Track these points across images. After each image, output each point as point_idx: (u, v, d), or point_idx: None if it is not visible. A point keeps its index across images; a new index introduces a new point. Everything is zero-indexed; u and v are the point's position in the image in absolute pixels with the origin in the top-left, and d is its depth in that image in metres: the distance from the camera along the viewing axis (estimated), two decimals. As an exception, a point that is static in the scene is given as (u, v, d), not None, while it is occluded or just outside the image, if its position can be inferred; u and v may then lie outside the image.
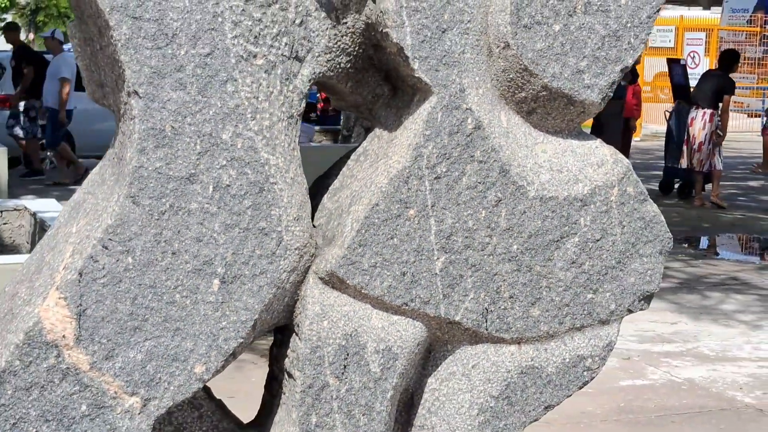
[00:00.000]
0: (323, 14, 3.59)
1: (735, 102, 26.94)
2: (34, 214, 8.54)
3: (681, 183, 15.71)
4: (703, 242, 13.00)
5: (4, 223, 9.05)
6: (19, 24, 54.58)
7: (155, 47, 3.30)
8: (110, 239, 3.29)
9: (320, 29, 3.60)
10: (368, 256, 3.51)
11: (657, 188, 15.94)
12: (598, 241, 3.73)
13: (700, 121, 14.61)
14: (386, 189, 3.52)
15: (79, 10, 3.50)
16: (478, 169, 3.59)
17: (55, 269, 3.33)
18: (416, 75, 3.54)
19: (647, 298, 3.85)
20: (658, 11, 3.71)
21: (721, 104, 14.55)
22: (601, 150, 3.78)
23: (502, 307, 3.67)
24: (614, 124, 14.12)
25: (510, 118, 3.68)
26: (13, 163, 16.59)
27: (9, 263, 6.54)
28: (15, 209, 9.33)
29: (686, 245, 12.46)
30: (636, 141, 24.05)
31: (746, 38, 29.84)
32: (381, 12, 3.51)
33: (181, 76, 3.33)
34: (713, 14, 33.37)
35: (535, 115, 3.71)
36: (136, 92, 3.29)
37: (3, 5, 42.35)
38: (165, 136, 3.32)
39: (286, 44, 3.50)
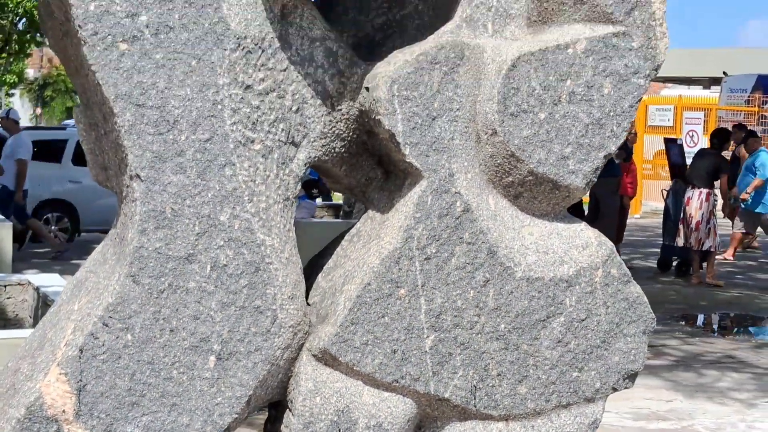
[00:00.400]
0: (319, 101, 3.75)
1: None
2: (37, 289, 8.66)
3: (678, 261, 15.82)
4: (700, 320, 13.08)
5: (8, 298, 9.17)
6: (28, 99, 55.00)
7: (157, 133, 3.45)
8: (110, 317, 3.41)
9: (316, 116, 3.76)
10: (360, 334, 3.63)
11: (655, 266, 16.07)
12: (583, 320, 3.85)
13: (696, 201, 14.78)
14: (378, 269, 3.65)
15: (85, 97, 3.66)
16: (466, 250, 3.73)
17: (57, 345, 3.45)
18: (407, 160, 3.69)
19: (631, 377, 3.95)
20: (639, 101, 3.87)
21: (717, 182, 14.71)
22: (585, 233, 3.91)
23: (490, 384, 3.78)
24: (611, 202, 14.28)
25: (498, 202, 3.82)
26: (16, 239, 16.76)
27: (12, 338, 6.65)
28: (18, 284, 9.45)
29: (683, 323, 12.55)
30: (636, 218, 24.22)
31: (744, 118, 30.15)
32: (374, 100, 3.67)
33: (181, 160, 3.48)
34: (712, 93, 33.76)
35: (522, 199, 3.85)
36: (138, 176, 3.44)
37: (11, 81, 42.90)
38: (165, 217, 3.46)
39: (282, 130, 3.66)
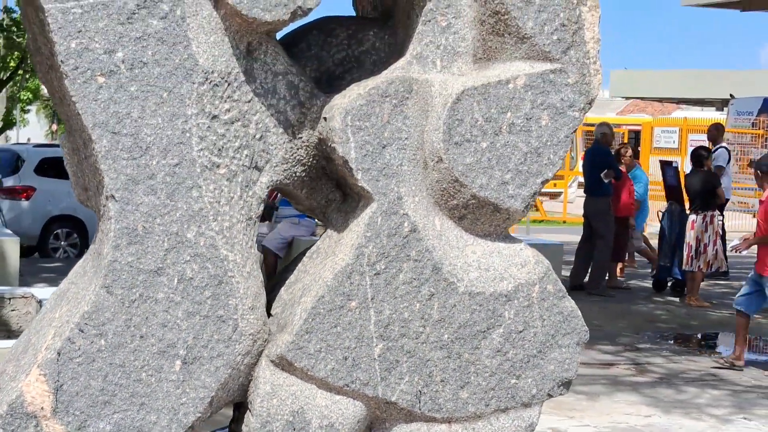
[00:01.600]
0: (281, 130, 4.13)
1: (739, 203, 27.42)
2: (40, 302, 9.03)
3: (673, 281, 16.12)
4: (689, 339, 13.37)
5: (12, 310, 9.56)
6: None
7: (131, 158, 3.83)
8: (86, 323, 3.78)
9: (278, 143, 4.13)
10: (314, 342, 3.99)
11: (651, 286, 16.38)
12: (521, 332, 4.21)
13: (701, 224, 14.98)
14: (331, 283, 4.01)
15: (68, 125, 4.05)
16: (413, 266, 4.09)
17: (38, 349, 3.82)
18: (359, 184, 4.06)
19: (566, 384, 4.30)
20: (574, 131, 4.23)
21: (717, 199, 14.96)
22: (524, 252, 4.27)
23: (434, 389, 4.13)
24: (603, 222, 14.58)
25: (443, 223, 4.19)
26: (28, 252, 17.19)
27: (10, 348, 7.02)
28: (23, 296, 9.83)
29: (672, 342, 12.85)
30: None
31: (751, 140, 30.41)
32: (330, 129, 4.05)
33: (152, 183, 3.85)
34: (718, 116, 34.03)
35: (466, 221, 4.22)
36: (113, 196, 3.82)
37: (27, 98, 43.44)
38: (137, 234, 3.83)
39: (246, 156, 4.03)
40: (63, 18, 3.71)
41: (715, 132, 17.85)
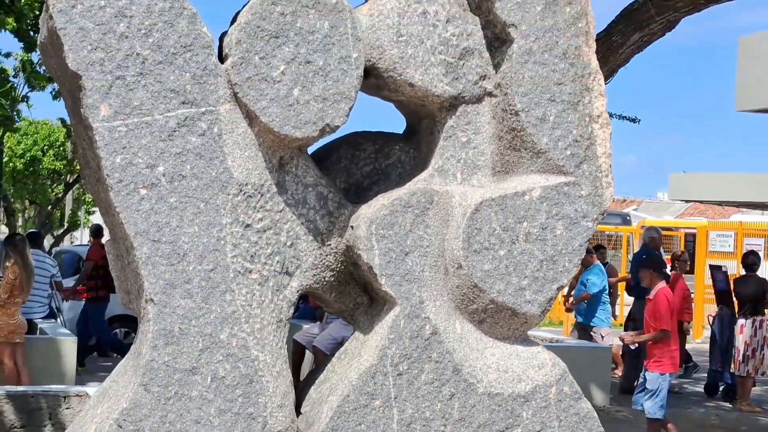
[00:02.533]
0: (311, 238, 4.40)
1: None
2: (92, 400, 9.29)
3: (725, 386, 16.02)
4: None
5: (67, 408, 9.85)
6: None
7: (169, 264, 4.12)
8: (124, 419, 4.04)
9: (308, 250, 4.40)
10: (339, 440, 4.21)
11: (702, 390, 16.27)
12: (538, 432, 4.39)
13: (750, 329, 14.96)
14: (356, 383, 4.24)
15: (113, 232, 4.36)
16: (434, 368, 4.31)
17: (80, 443, 4.08)
18: (383, 289, 4.31)
19: (582, 484, 4.45)
20: (588, 240, 4.45)
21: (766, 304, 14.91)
22: (542, 354, 4.47)
23: (454, 487, 4.31)
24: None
25: (463, 326, 4.41)
26: (89, 351, 17.58)
27: (62, 444, 7.26)
28: (77, 395, 10.11)
29: (720, 447, 12.77)
30: (697, 343, 24.29)
31: (809, 244, 30.19)
32: (356, 237, 4.32)
33: (188, 287, 4.14)
34: (774, 219, 33.81)
35: (486, 324, 4.44)
36: (152, 299, 4.11)
37: (91, 200, 44.29)
38: (174, 335, 4.11)
39: (278, 262, 4.31)
40: (109, 135, 4.05)
41: None
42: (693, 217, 47.17)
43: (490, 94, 4.51)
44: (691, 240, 31.45)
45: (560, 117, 4.44)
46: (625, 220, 36.75)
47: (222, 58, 4.25)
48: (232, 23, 4.32)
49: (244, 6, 4.29)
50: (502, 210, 4.37)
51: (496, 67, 4.49)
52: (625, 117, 14.59)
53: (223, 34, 4.35)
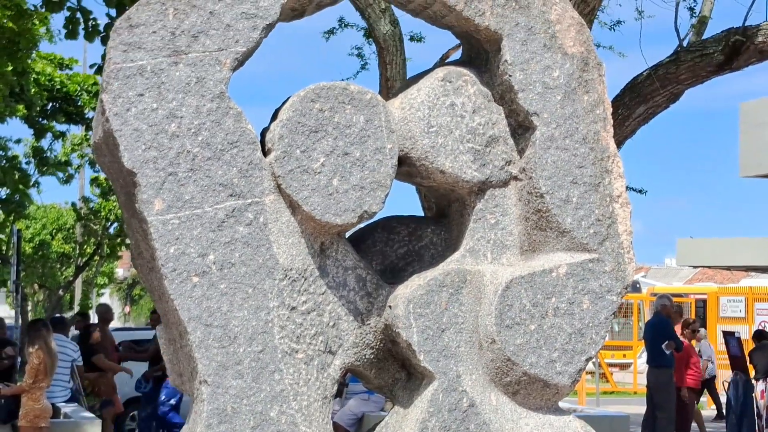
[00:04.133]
0: (351, 318, 4.67)
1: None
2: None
3: (743, 452, 16.13)
4: None
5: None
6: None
7: (221, 347, 4.38)
8: (182, 495, 4.26)
9: (349, 329, 4.66)
10: None
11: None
12: (573, 498, 4.60)
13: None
14: (399, 456, 4.47)
15: (165, 318, 4.63)
16: (473, 438, 4.54)
17: None
18: (422, 365, 4.56)
19: None
20: (613, 313, 4.71)
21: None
22: (573, 423, 4.70)
23: None
24: (665, 393, 14.76)
25: (499, 398, 4.65)
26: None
27: None
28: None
29: None
30: (713, 409, 24.31)
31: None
32: (394, 316, 4.58)
33: (239, 368, 4.39)
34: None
35: (519, 395, 4.68)
36: (206, 381, 4.36)
37: (102, 282, 44.70)
38: (227, 414, 4.35)
39: (321, 341, 4.57)
40: (163, 228, 4.34)
41: None
42: (702, 283, 47.27)
43: (515, 178, 4.81)
44: (701, 306, 31.62)
45: (582, 198, 4.73)
46: (635, 287, 36.92)
47: (265, 153, 4.55)
48: (272, 119, 4.63)
49: (284, 103, 4.60)
50: (531, 287, 4.63)
51: (521, 152, 4.79)
52: (632, 188, 14.93)
53: (265, 129, 4.66)
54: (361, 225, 4.80)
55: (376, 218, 4.79)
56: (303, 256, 4.55)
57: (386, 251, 4.93)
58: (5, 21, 12.42)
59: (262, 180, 4.48)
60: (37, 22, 14.21)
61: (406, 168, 4.74)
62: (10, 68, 13.53)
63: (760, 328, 16.88)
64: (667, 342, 15.02)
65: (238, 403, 4.37)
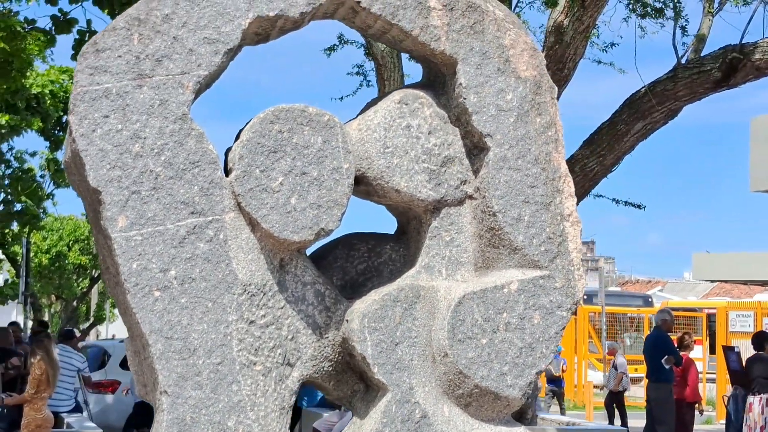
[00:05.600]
0: (310, 331, 4.83)
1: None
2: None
3: (742, 465, 16.16)
4: None
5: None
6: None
7: (181, 358, 4.56)
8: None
9: (308, 342, 4.83)
10: None
11: (722, 471, 16.40)
12: (521, 507, 4.75)
13: (758, 406, 15.17)
14: (352, 465, 4.63)
15: (131, 331, 4.81)
16: (425, 449, 4.69)
17: None
18: (376, 377, 4.72)
19: None
20: (563, 328, 4.87)
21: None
22: (523, 435, 4.85)
23: None
24: (664, 407, 14.81)
25: (451, 410, 4.81)
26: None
27: None
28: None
29: None
30: (719, 424, 24.31)
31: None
32: (350, 330, 4.75)
33: (198, 379, 4.56)
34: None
35: (471, 407, 4.83)
36: (166, 391, 4.53)
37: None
38: (186, 423, 4.52)
39: (279, 354, 4.74)
40: (126, 244, 4.52)
41: None
42: (718, 297, 47.18)
43: (470, 197, 4.98)
44: (713, 320, 31.60)
45: (534, 217, 4.89)
46: (647, 301, 36.91)
47: (227, 172, 4.73)
48: (236, 140, 4.81)
49: (246, 124, 4.79)
50: (483, 302, 4.79)
51: (475, 172, 4.95)
52: (631, 203, 15.03)
53: (228, 149, 4.84)
54: (323, 241, 4.97)
55: (335, 235, 4.97)
56: (262, 271, 4.72)
57: (347, 267, 5.10)
58: None
59: (223, 198, 4.66)
60: (31, 43, 14.48)
61: (364, 187, 4.91)
62: (4, 87, 13.80)
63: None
64: (666, 357, 15.10)
65: (197, 413, 4.54)
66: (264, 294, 4.72)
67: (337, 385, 4.98)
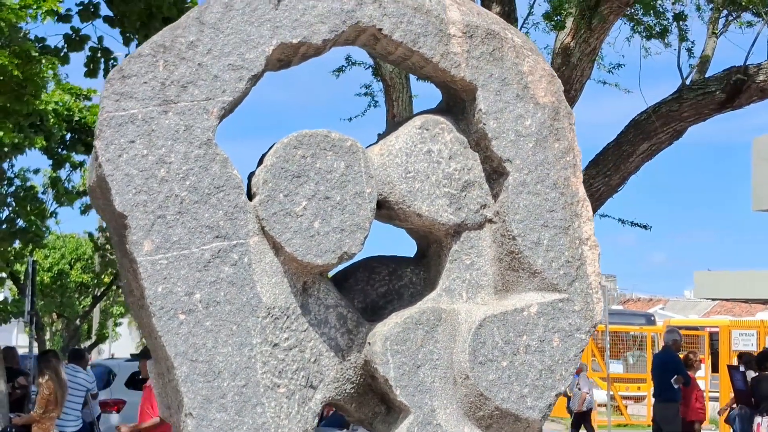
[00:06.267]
0: (332, 354, 4.89)
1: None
2: None
3: (748, 485, 16.19)
4: None
5: None
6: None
7: (205, 381, 4.61)
8: None
9: (330, 365, 4.89)
10: None
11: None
12: None
13: (766, 428, 15.23)
14: (375, 486, 4.68)
15: (155, 353, 4.87)
16: (446, 470, 4.75)
17: None
18: (398, 399, 4.78)
19: None
20: (582, 351, 4.92)
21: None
22: (544, 456, 4.90)
23: None
24: (671, 427, 14.89)
25: (472, 431, 4.86)
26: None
27: None
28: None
29: None
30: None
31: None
32: (372, 353, 4.81)
33: (223, 401, 4.62)
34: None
35: (492, 429, 4.89)
36: (191, 413, 4.59)
37: (119, 312, 44.96)
38: (210, 445, 4.57)
39: (303, 376, 4.79)
40: (152, 268, 4.58)
41: None
42: (720, 316, 47.21)
43: (490, 221, 5.04)
44: (716, 339, 31.63)
45: (553, 240, 4.96)
46: (650, 320, 36.95)
47: (250, 196, 4.80)
48: (258, 164, 4.88)
49: (269, 149, 4.85)
50: (503, 325, 4.86)
51: (495, 197, 5.02)
52: (637, 224, 15.10)
53: (251, 173, 4.91)
54: (344, 265, 5.03)
55: (357, 258, 5.03)
56: (286, 294, 4.78)
57: (367, 290, 5.16)
58: (11, 69, 12.77)
59: (247, 222, 4.73)
60: (45, 67, 14.58)
61: (386, 211, 4.97)
62: (18, 108, 13.90)
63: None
64: (676, 377, 15.15)
65: (221, 435, 4.59)
66: (287, 317, 4.78)
67: (359, 407, 5.04)
